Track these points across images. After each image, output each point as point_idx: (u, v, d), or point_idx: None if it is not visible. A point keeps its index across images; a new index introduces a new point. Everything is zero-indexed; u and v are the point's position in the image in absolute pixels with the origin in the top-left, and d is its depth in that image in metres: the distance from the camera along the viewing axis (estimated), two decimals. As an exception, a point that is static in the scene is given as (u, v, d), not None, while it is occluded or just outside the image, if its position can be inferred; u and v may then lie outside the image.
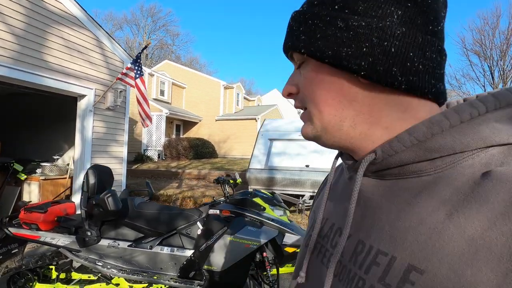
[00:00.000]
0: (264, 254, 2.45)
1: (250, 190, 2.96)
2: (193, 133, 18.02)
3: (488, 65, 11.38)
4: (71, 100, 4.67)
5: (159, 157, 15.29)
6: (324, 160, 5.69)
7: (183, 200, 6.70)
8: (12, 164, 4.74)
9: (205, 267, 2.32)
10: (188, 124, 18.24)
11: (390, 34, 0.32)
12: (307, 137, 0.42)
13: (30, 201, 2.61)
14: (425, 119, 0.34)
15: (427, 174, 0.33)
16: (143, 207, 2.65)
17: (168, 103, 16.86)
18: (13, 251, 2.69)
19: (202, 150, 15.62)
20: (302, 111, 0.43)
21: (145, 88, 4.48)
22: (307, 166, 5.66)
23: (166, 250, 2.52)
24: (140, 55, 4.33)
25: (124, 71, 4.41)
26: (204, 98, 18.21)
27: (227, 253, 2.32)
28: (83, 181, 2.57)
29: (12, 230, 2.50)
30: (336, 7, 0.35)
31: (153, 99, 15.55)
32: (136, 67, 4.36)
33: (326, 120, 0.38)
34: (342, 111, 0.37)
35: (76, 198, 4.38)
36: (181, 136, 17.40)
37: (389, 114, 0.35)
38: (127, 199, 2.70)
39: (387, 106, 0.35)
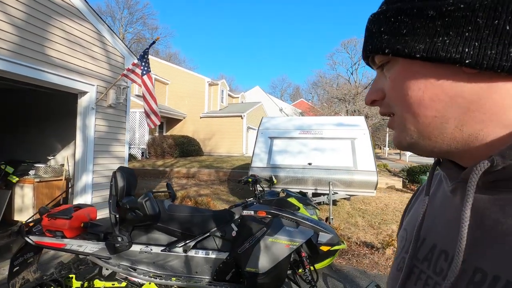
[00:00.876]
0: (303, 254, 2.47)
1: (278, 189, 2.96)
2: (176, 130, 17.61)
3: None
4: (71, 97, 4.39)
5: (142, 155, 14.82)
6: (325, 158, 5.80)
7: (182, 200, 6.55)
8: (3, 166, 4.38)
9: (247, 269, 2.30)
10: (172, 121, 17.80)
11: (501, 10, 0.27)
12: (401, 147, 0.37)
13: (52, 207, 2.42)
14: None
15: None
16: (175, 210, 2.57)
17: (151, 99, 16.31)
18: (28, 261, 2.50)
19: (188, 148, 15.34)
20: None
21: (153, 86, 4.31)
22: (309, 164, 5.74)
23: (201, 253, 2.46)
24: (148, 51, 4.16)
25: (130, 67, 4.21)
26: (188, 94, 17.83)
27: (269, 255, 2.32)
28: (111, 184, 2.44)
29: (34, 238, 2.32)
30: None
31: (135, 95, 15.00)
32: (143, 63, 4.18)
33: (424, 124, 0.33)
34: (444, 111, 0.32)
35: (78, 201, 4.15)
36: (165, 134, 16.97)
37: (507, 107, 0.29)
38: (157, 202, 2.60)
39: (503, 98, 0.29)
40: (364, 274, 3.31)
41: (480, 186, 0.32)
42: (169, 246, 2.45)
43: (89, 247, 2.37)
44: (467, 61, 0.29)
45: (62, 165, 5.03)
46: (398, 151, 23.84)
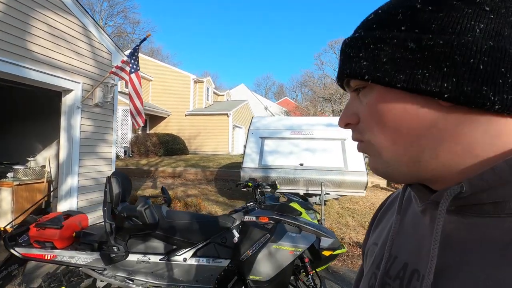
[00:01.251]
0: (306, 259, 2.44)
1: (278, 194, 2.91)
2: (160, 128, 17.21)
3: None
4: (53, 95, 4.15)
5: (125, 154, 14.36)
6: (317, 158, 5.83)
7: (170, 202, 6.38)
8: (-23, 168, 4.08)
9: (251, 277, 2.24)
10: (155, 119, 17.36)
11: (475, 50, 0.29)
12: (378, 173, 0.38)
13: (40, 216, 2.26)
14: None
15: None
16: (173, 217, 2.47)
17: (134, 96, 15.82)
18: (13, 274, 2.32)
19: (173, 146, 15.05)
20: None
21: (140, 84, 4.14)
22: (301, 164, 5.74)
23: (201, 261, 2.38)
24: (138, 48, 3.98)
25: (120, 64, 4.02)
26: (173, 92, 17.44)
27: (272, 262, 2.27)
28: (105, 191, 2.31)
29: (20, 250, 2.16)
30: (403, 28, 0.32)
31: (118, 91, 14.48)
32: (133, 61, 4.00)
33: (400, 153, 0.34)
34: (419, 141, 0.33)
35: (62, 206, 3.93)
36: (148, 132, 16.54)
37: (479, 139, 0.31)
38: (155, 208, 2.48)
39: (475, 131, 0.31)
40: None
41: (450, 210, 0.33)
42: (168, 255, 2.35)
43: (82, 258, 2.22)
44: (445, 95, 0.30)
45: (44, 166, 4.75)
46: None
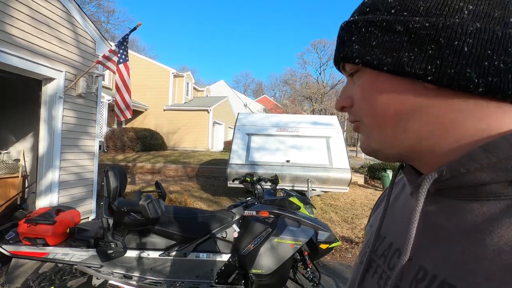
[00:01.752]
0: (305, 252, 2.49)
1: (273, 188, 2.93)
2: (137, 123, 16.64)
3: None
4: (31, 83, 3.88)
5: (100, 148, 13.70)
6: (303, 155, 5.93)
7: (154, 198, 6.21)
8: None
9: (253, 271, 2.25)
10: (132, 113, 16.72)
11: (461, 32, 0.29)
12: (366, 152, 0.40)
13: (31, 211, 2.11)
14: (509, 131, 0.30)
15: (508, 198, 0.29)
16: (172, 212, 2.41)
17: (109, 88, 15.13)
18: (-4, 273, 2.16)
19: (151, 141, 14.62)
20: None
21: (129, 76, 3.98)
22: (287, 161, 5.82)
23: (202, 256, 2.36)
24: (128, 38, 3.82)
25: (107, 54, 3.83)
26: (151, 85, 16.89)
27: (274, 255, 2.30)
28: (102, 185, 2.22)
29: (8, 248, 2.01)
30: (393, 11, 0.33)
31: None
32: (121, 51, 3.84)
33: (387, 134, 0.36)
34: (405, 123, 0.34)
35: (41, 202, 3.69)
36: (124, 126, 15.91)
37: (462, 123, 0.31)
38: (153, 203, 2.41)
39: (459, 114, 0.31)
40: (349, 268, 3.46)
41: (433, 193, 0.34)
42: (168, 250, 2.30)
43: (77, 255, 2.11)
44: (429, 78, 0.30)
45: (18, 160, 4.44)
46: (354, 148, 25.42)
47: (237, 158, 5.90)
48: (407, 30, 0.31)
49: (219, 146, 18.59)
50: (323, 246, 2.61)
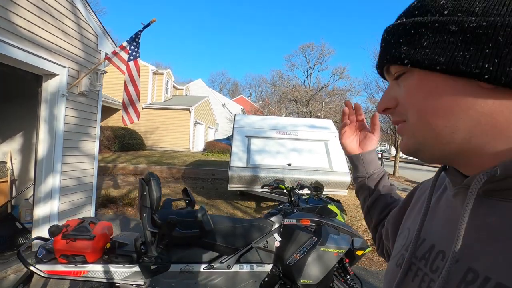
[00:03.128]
0: (346, 260, 2.50)
1: (314, 196, 2.89)
2: (113, 121, 15.78)
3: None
4: (24, 79, 3.51)
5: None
6: (303, 158, 5.98)
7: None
8: None
9: (302, 281, 2.21)
10: (107, 111, 15.82)
11: None
12: (406, 152, 0.40)
13: (68, 225, 1.89)
14: None
15: None
16: (215, 222, 2.29)
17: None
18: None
19: (129, 141, 13.98)
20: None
21: (138, 74, 3.75)
22: (289, 164, 5.83)
23: (245, 267, 2.28)
24: (140, 34, 3.59)
25: (117, 49, 3.57)
26: (128, 82, 16.09)
27: (321, 264, 2.28)
28: (144, 194, 2.05)
29: (43, 267, 1.79)
30: (446, 12, 0.33)
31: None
32: (132, 47, 3.59)
33: (434, 132, 0.35)
34: (455, 122, 0.33)
35: (40, 210, 3.35)
36: (100, 125, 14.97)
37: None
38: (192, 213, 2.27)
39: None
40: (366, 272, 3.54)
41: (481, 194, 0.34)
42: (212, 263, 2.18)
43: (118, 272, 1.93)
44: (486, 76, 0.30)
45: (4, 162, 3.99)
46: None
47: (238, 161, 5.79)
48: (462, 30, 0.31)
49: (200, 147, 18.21)
50: (359, 253, 2.63)
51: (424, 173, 17.69)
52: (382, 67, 0.40)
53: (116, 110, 16.12)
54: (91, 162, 4.07)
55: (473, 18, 0.31)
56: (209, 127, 20.95)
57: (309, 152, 6.06)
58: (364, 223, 5.56)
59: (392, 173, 13.60)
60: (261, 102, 32.91)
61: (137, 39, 3.59)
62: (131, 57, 3.62)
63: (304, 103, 20.62)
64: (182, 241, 2.08)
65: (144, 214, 2.02)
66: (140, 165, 10.52)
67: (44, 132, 3.37)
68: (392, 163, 15.39)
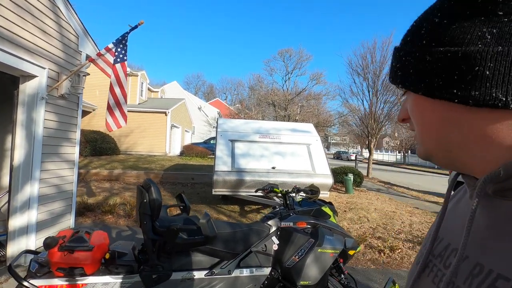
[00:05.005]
0: (341, 260, 2.59)
1: (299, 198, 2.96)
2: (84, 124, 14.99)
3: (366, 84, 14.66)
4: (6, 81, 3.29)
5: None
6: (287, 162, 6.08)
7: (124, 207, 5.67)
8: None
9: (301, 283, 2.26)
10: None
11: (480, 58, 0.31)
12: (420, 157, 0.45)
13: (64, 236, 1.79)
14: None
15: None
16: (216, 227, 2.27)
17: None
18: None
19: (102, 145, 13.37)
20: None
21: (126, 77, 3.64)
22: (273, 168, 5.90)
23: (245, 272, 2.29)
24: (127, 36, 3.49)
25: (102, 51, 3.44)
26: (100, 83, 15.38)
27: (319, 265, 2.35)
28: (144, 202, 2.00)
29: (38, 282, 1.68)
30: (424, 42, 0.36)
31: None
32: (119, 49, 3.49)
33: (433, 145, 0.40)
34: (448, 136, 0.37)
35: (17, 221, 3.12)
36: (68, 128, 14.18)
37: (506, 133, 0.32)
38: (191, 219, 2.25)
39: (500, 126, 0.33)
40: (353, 270, 3.68)
41: (491, 194, 0.36)
42: (213, 269, 2.17)
43: (118, 283, 1.86)
44: (456, 100, 0.33)
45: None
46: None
47: (222, 165, 5.76)
48: (434, 59, 0.34)
49: (177, 150, 17.83)
50: (351, 252, 2.74)
51: (395, 174, 18.64)
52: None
53: (87, 112, 15.38)
54: (71, 168, 3.86)
55: (441, 48, 0.34)
56: (186, 131, 20.58)
57: (292, 155, 6.18)
58: (346, 223, 5.76)
59: (366, 174, 14.18)
60: (237, 105, 32.92)
61: (124, 41, 3.48)
62: (118, 60, 3.50)
63: (282, 107, 20.95)
64: (184, 248, 2.05)
65: (145, 222, 1.97)
66: (115, 170, 10.09)
67: (21, 137, 3.15)
68: (366, 165, 16.05)
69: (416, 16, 0.40)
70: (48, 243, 1.69)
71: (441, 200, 9.48)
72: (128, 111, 14.30)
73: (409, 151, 31.81)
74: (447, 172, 13.14)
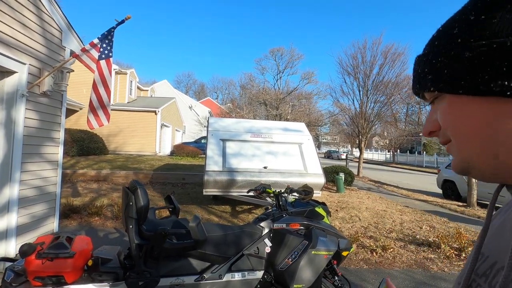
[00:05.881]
0: (335, 262, 2.53)
1: (291, 199, 2.90)
2: (70, 123, 14.65)
3: (357, 84, 14.77)
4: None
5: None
6: (279, 161, 6.02)
7: (113, 208, 5.50)
8: None
9: (295, 286, 2.20)
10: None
11: None
12: (457, 171, 0.41)
13: (42, 242, 1.67)
14: None
15: None
16: (206, 230, 2.18)
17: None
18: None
19: (89, 145, 13.07)
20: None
21: (110, 74, 3.50)
22: (265, 167, 5.83)
23: (237, 276, 2.21)
24: (114, 31, 3.35)
25: (87, 47, 3.29)
26: (88, 81, 15.01)
27: (312, 268, 2.29)
28: (129, 204, 1.90)
29: (14, 293, 1.56)
30: (459, 40, 0.35)
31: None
32: (104, 45, 3.35)
33: (476, 151, 0.36)
34: (492, 140, 0.34)
35: (-6, 224, 2.96)
36: (54, 127, 13.79)
37: None
38: (181, 222, 2.15)
39: None
40: (346, 271, 3.64)
41: None
42: (204, 273, 2.08)
43: (102, 291, 1.75)
44: (508, 93, 0.32)
45: None
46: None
47: (213, 165, 5.66)
48: (476, 54, 0.33)
49: (167, 150, 17.58)
50: (344, 253, 2.69)
51: (385, 173, 18.88)
52: (418, 94, 0.42)
53: (74, 111, 15.00)
54: (55, 169, 3.70)
55: (484, 42, 0.32)
56: (176, 130, 20.32)
57: (284, 155, 6.13)
58: (338, 223, 5.75)
59: (356, 173, 14.30)
60: (229, 104, 32.78)
61: (109, 37, 3.34)
62: (103, 56, 3.36)
63: (274, 106, 20.92)
64: (173, 253, 1.95)
65: (131, 226, 1.86)
66: (103, 170, 9.85)
67: (-1, 137, 2.98)
68: (356, 164, 16.18)
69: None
70: (25, 251, 1.57)
71: (431, 199, 9.61)
72: (117, 110, 13.95)
73: (398, 150, 32.28)
74: (436, 171, 13.36)
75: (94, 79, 3.42)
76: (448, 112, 0.38)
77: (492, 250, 0.42)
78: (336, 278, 2.52)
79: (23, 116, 3.13)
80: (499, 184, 0.42)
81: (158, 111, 15.55)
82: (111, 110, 13.03)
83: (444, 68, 0.36)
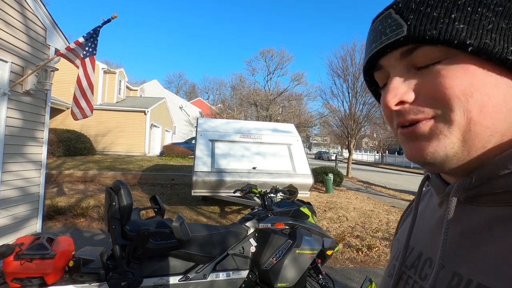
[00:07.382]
0: (319, 260, 2.57)
1: (278, 199, 2.93)
2: (57, 122, 14.35)
3: (346, 86, 14.96)
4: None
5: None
6: (268, 162, 6.05)
7: (95, 211, 5.43)
8: None
9: (279, 285, 2.22)
10: (51, 111, 14.29)
11: None
12: (434, 158, 0.32)
13: (22, 243, 1.64)
14: None
15: None
16: (190, 230, 2.19)
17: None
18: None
19: (76, 145, 12.82)
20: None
21: (93, 70, 3.47)
22: (254, 168, 5.85)
23: (222, 276, 2.22)
24: (99, 30, 3.32)
25: (72, 45, 3.25)
26: (75, 80, 14.72)
27: (296, 266, 2.32)
28: (111, 205, 1.89)
29: (-11, 295, 1.53)
30: None
31: None
32: (89, 43, 3.31)
33: (474, 133, 0.30)
34: (497, 123, 0.30)
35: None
36: (40, 126, 13.46)
37: None
38: (165, 222, 2.15)
39: None
40: (331, 270, 3.69)
41: (462, 201, 0.34)
42: (187, 273, 2.09)
43: (83, 292, 1.73)
44: None
45: None
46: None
47: (202, 165, 5.64)
48: None
49: (156, 151, 17.40)
50: (329, 252, 2.73)
51: (374, 173, 19.15)
52: (399, 46, 0.32)
53: (61, 111, 14.69)
54: (38, 169, 3.63)
55: None
56: (166, 130, 20.14)
57: (273, 155, 6.16)
58: (325, 223, 5.81)
59: (345, 174, 14.47)
60: (220, 105, 32.70)
61: (95, 35, 3.31)
62: (88, 54, 3.33)
63: (264, 107, 20.98)
64: (156, 253, 1.95)
65: (114, 227, 1.85)
66: (90, 171, 9.69)
67: (-21, 136, 2.91)
68: (346, 165, 16.38)
69: None
70: (3, 252, 1.55)
71: (417, 198, 9.80)
72: (105, 110, 13.74)
73: (387, 151, 32.82)
74: (422, 172, 13.60)
75: (78, 74, 3.39)
76: (463, 80, 0.29)
77: (416, 241, 0.42)
78: (320, 276, 2.56)
79: (5, 115, 3.06)
80: (425, 176, 0.43)
81: (148, 111, 15.38)
82: (100, 109, 12.86)
83: (487, 22, 0.28)
